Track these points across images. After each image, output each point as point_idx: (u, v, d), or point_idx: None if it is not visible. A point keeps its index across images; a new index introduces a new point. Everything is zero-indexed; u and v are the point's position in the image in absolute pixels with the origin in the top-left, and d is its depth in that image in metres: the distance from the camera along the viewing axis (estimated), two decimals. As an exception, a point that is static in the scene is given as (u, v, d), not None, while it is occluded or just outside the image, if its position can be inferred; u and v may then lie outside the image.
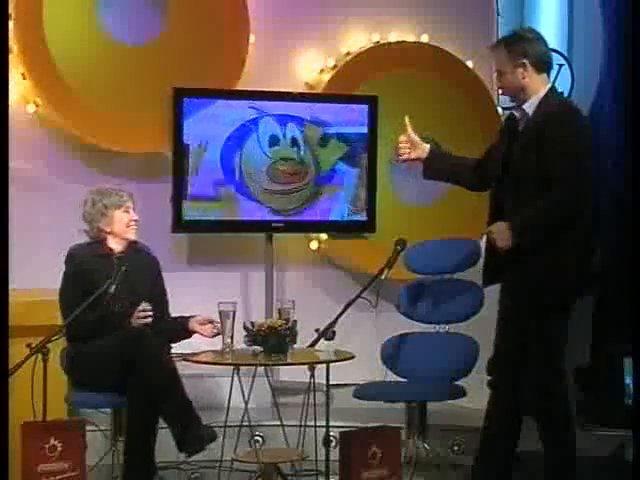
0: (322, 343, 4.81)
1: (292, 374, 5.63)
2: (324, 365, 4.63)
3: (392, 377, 5.23)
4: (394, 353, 5.26)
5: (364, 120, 6.08)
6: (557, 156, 4.27)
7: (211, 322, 4.88)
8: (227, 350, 4.80)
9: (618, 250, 5.99)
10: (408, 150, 4.72)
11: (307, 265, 6.34)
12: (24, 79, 5.75)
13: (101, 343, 4.69)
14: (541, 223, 4.33)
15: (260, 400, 5.48)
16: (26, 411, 4.36)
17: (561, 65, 6.71)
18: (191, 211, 5.82)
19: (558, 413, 4.39)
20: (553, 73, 4.76)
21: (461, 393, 5.03)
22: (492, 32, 6.56)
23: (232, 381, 4.76)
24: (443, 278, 5.29)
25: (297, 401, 5.30)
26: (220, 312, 4.81)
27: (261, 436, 5.48)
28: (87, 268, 4.84)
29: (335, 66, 6.35)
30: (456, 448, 5.54)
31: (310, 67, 6.37)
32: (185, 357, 4.84)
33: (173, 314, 5.06)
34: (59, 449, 4.32)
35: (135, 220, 4.97)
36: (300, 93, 6.20)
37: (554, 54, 5.02)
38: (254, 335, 4.65)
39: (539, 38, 4.48)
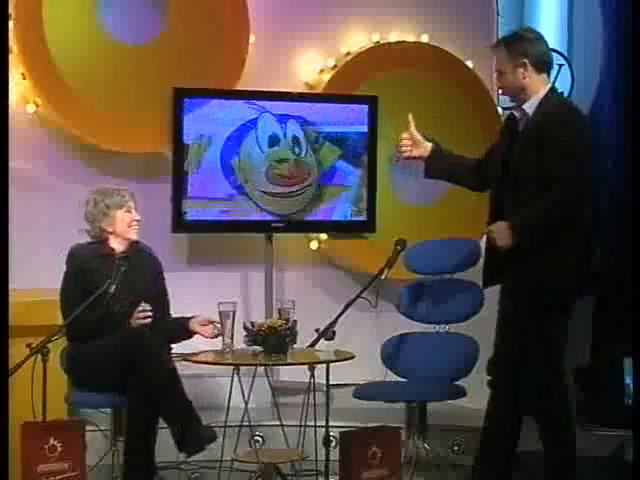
0: (322, 343, 4.81)
1: (292, 374, 5.63)
2: (324, 365, 4.63)
3: (392, 377, 5.23)
4: (394, 353, 5.26)
5: (364, 120, 6.08)
6: (557, 156, 4.27)
7: (212, 323, 4.87)
8: (227, 350, 4.80)
9: (618, 250, 5.99)
10: (410, 148, 4.72)
11: (307, 265, 6.34)
12: (24, 79, 5.75)
13: (101, 343, 4.69)
14: (541, 223, 4.33)
15: (260, 400, 5.48)
16: (26, 411, 4.36)
17: (561, 65, 6.71)
18: (191, 211, 5.82)
19: (558, 413, 4.39)
20: (553, 73, 4.76)
21: (461, 393, 5.03)
22: (492, 32, 6.56)
23: (232, 381, 4.76)
24: (443, 278, 5.29)
25: (297, 401, 5.30)
26: (220, 312, 4.81)
27: (261, 436, 5.48)
28: (88, 268, 4.84)
29: (335, 66, 6.35)
30: (456, 448, 5.54)
31: (310, 67, 6.37)
32: (185, 357, 4.84)
33: (173, 314, 5.06)
34: (59, 449, 4.32)
35: (137, 220, 4.97)
36: (300, 93, 6.20)
37: (554, 54, 5.01)
38: (254, 335, 4.65)
39: (539, 38, 4.48)
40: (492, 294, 4.72)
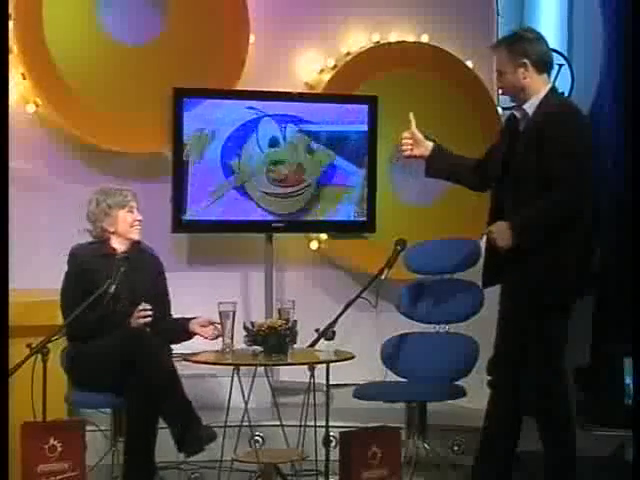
0: (322, 343, 4.81)
1: (292, 374, 5.63)
2: (324, 365, 4.63)
3: (392, 377, 5.23)
4: (394, 353, 5.26)
5: (364, 120, 6.08)
6: (557, 156, 4.27)
7: (212, 324, 4.87)
8: (227, 350, 4.80)
9: (618, 250, 5.99)
10: (411, 147, 4.72)
11: (307, 265, 6.34)
12: (24, 79, 5.75)
13: (100, 343, 4.69)
14: (541, 223, 4.33)
15: (260, 400, 5.48)
16: (26, 411, 4.36)
17: (561, 65, 6.71)
18: (191, 211, 5.83)
19: (558, 413, 4.39)
20: (553, 73, 4.76)
21: (461, 393, 5.03)
22: (492, 32, 6.56)
23: (232, 381, 4.76)
24: (443, 278, 5.29)
25: (297, 401, 5.29)
26: (220, 312, 4.80)
27: (261, 436, 5.48)
28: (89, 268, 4.83)
29: (335, 66, 6.35)
30: (456, 448, 5.54)
31: (310, 67, 6.37)
32: (185, 357, 4.84)
33: (174, 314, 5.05)
34: (59, 449, 4.32)
35: (139, 220, 4.97)
36: (300, 93, 6.20)
37: (554, 54, 5.01)
38: (254, 335, 4.65)
39: (540, 38, 4.48)
40: (492, 294, 4.72)
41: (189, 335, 4.93)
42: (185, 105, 5.78)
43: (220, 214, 5.91)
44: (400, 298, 5.34)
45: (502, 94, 4.68)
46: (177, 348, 4.96)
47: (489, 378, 4.60)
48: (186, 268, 6.08)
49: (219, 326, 4.83)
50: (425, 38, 6.44)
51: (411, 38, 6.44)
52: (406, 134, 4.72)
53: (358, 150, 6.09)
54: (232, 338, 4.79)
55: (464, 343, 5.18)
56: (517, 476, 4.60)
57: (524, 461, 4.75)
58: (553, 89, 4.48)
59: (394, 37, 6.43)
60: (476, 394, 5.19)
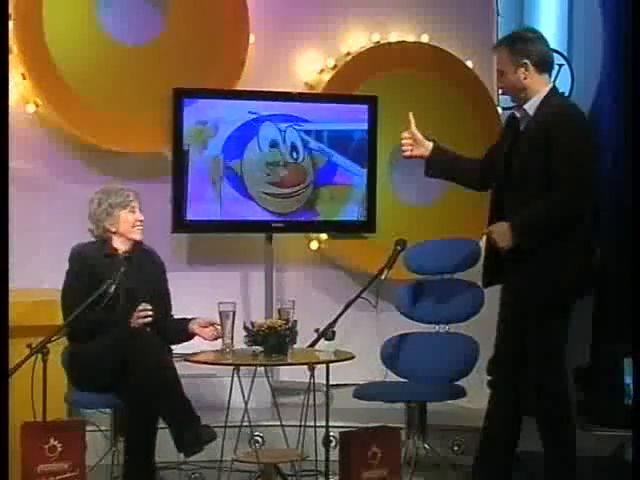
0: (322, 343, 4.82)
1: (292, 374, 5.63)
2: (324, 365, 4.63)
3: (392, 377, 5.23)
4: (394, 353, 5.26)
5: (364, 120, 6.08)
6: (561, 156, 4.26)
7: (212, 325, 4.86)
8: (227, 350, 4.79)
9: (618, 250, 5.99)
10: (411, 147, 4.71)
11: (307, 265, 6.34)
12: (24, 79, 5.75)
13: (100, 343, 4.69)
14: (542, 223, 4.33)
15: (260, 400, 5.48)
16: (26, 411, 4.36)
17: (561, 65, 6.71)
18: (191, 211, 5.83)
19: (558, 413, 4.39)
20: (553, 73, 4.76)
21: (461, 393, 5.03)
22: (492, 32, 6.56)
23: (232, 381, 4.76)
24: (443, 278, 5.29)
25: (297, 401, 5.30)
26: (220, 312, 4.80)
27: (261, 436, 5.48)
28: (92, 267, 4.83)
29: (335, 66, 6.35)
30: (456, 448, 5.54)
31: (310, 67, 6.37)
32: (185, 357, 4.84)
33: (174, 315, 5.05)
34: (59, 449, 4.32)
35: (141, 220, 4.97)
36: (300, 93, 6.20)
37: (554, 54, 5.01)
38: (254, 335, 4.65)
39: (540, 38, 4.48)
40: (492, 294, 4.73)
41: (189, 336, 4.92)
42: (185, 106, 5.78)
43: (220, 214, 5.91)
44: (400, 298, 5.34)
45: (502, 94, 4.68)
46: (177, 348, 4.95)
47: (489, 378, 4.60)
48: (186, 268, 6.08)
49: (219, 327, 4.82)
50: (425, 38, 6.44)
51: (411, 38, 6.44)
52: (406, 134, 4.71)
53: (362, 150, 6.10)
54: (232, 338, 4.79)
55: (464, 343, 5.18)
56: (517, 476, 4.60)
57: (524, 461, 4.75)
58: (554, 89, 4.48)
59: (394, 37, 6.43)
60: (476, 394, 5.19)
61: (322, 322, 4.82)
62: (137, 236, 4.97)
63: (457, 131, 6.08)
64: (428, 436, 5.08)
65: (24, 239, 5.56)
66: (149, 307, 4.73)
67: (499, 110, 6.47)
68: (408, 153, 4.73)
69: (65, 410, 5.11)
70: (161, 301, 4.94)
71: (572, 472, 4.39)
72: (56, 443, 4.31)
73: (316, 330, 4.79)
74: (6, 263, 4.09)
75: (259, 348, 4.65)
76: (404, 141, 4.71)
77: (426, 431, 5.07)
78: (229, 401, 4.85)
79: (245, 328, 4.70)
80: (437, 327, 5.29)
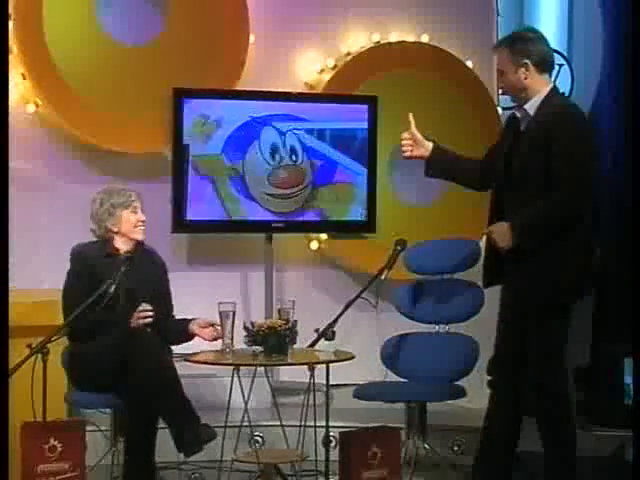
0: (322, 343, 4.82)
1: (292, 374, 5.63)
2: (324, 365, 4.63)
3: (392, 377, 5.23)
4: (394, 353, 5.26)
5: (364, 120, 6.08)
6: (561, 156, 4.26)
7: (212, 325, 4.86)
8: (227, 350, 4.79)
9: (618, 250, 5.99)
10: (411, 148, 4.71)
11: (307, 265, 6.34)
12: (24, 79, 5.75)
13: (100, 343, 4.69)
14: (542, 223, 4.33)
15: (260, 400, 5.48)
16: (26, 411, 4.36)
17: (561, 65, 6.71)
18: (191, 211, 5.83)
19: (558, 413, 4.39)
20: (553, 73, 4.76)
21: (461, 393, 5.03)
22: (492, 32, 6.56)
23: (232, 381, 4.76)
24: (443, 278, 5.29)
25: (297, 401, 5.29)
26: (220, 312, 4.80)
27: (261, 436, 5.48)
28: (92, 267, 4.83)
29: (335, 66, 6.35)
30: (456, 448, 5.54)
31: (310, 67, 6.37)
32: (185, 357, 4.84)
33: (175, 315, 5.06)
34: (59, 449, 4.32)
35: (142, 221, 4.97)
36: (300, 93, 6.20)
37: (554, 54, 5.01)
38: (254, 335, 4.64)
39: (541, 38, 4.48)
40: (492, 294, 4.72)
41: (189, 336, 4.92)
42: (185, 106, 5.78)
43: (220, 214, 5.91)
44: (400, 299, 5.34)
45: (503, 94, 4.67)
46: (177, 348, 4.95)
47: (489, 378, 4.60)
48: (186, 268, 6.08)
49: (219, 328, 4.82)
50: (425, 38, 6.44)
51: (411, 38, 6.44)
52: (406, 135, 4.71)
53: (365, 149, 6.10)
54: (232, 338, 4.79)
55: (464, 343, 5.18)
56: (517, 476, 4.60)
57: (524, 461, 4.75)
58: (554, 89, 4.48)
59: (394, 37, 6.44)
60: (476, 394, 5.19)
61: (322, 322, 4.82)
62: (139, 236, 4.97)
63: (457, 131, 6.08)
64: (428, 436, 5.08)
65: (24, 239, 5.56)
66: (149, 307, 4.73)
67: (499, 110, 6.47)
68: (408, 154, 4.73)
69: (65, 410, 5.11)
70: (162, 301, 4.94)
71: (572, 472, 4.39)
72: (56, 443, 4.32)
73: (316, 330, 4.79)
74: (6, 263, 4.09)
75: (259, 348, 4.65)
76: (404, 142, 4.71)
77: (426, 431, 5.07)
78: (229, 401, 4.85)
79: (245, 328, 4.70)
80: (437, 327, 5.29)
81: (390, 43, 6.41)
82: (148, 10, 6.00)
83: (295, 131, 6.01)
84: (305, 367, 4.61)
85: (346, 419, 5.36)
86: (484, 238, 4.67)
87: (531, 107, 4.41)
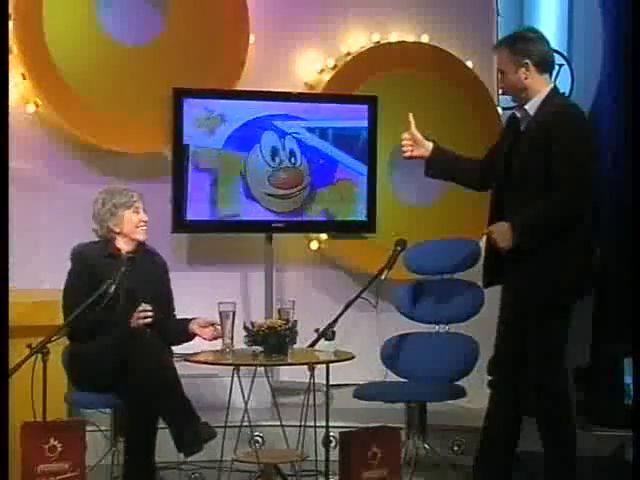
0: (322, 343, 4.82)
1: (292, 374, 5.63)
2: (324, 365, 4.63)
3: (392, 377, 5.23)
4: (394, 353, 5.26)
5: (364, 120, 6.08)
6: (561, 156, 4.26)
7: (212, 325, 4.86)
8: (227, 350, 4.79)
9: (618, 250, 5.99)
10: (411, 148, 4.71)
11: (307, 265, 6.34)
12: (24, 79, 5.75)
13: (100, 343, 4.69)
14: (542, 223, 4.33)
15: (260, 400, 5.48)
16: (26, 411, 4.36)
17: (561, 65, 6.71)
18: (191, 211, 5.83)
19: (558, 413, 4.39)
20: (553, 73, 4.76)
21: (461, 393, 5.03)
22: (492, 32, 6.57)
23: (232, 381, 4.76)
24: (443, 278, 5.29)
25: (297, 401, 5.29)
26: (220, 312, 4.80)
27: (261, 436, 5.48)
28: (92, 267, 4.83)
29: (335, 66, 6.35)
30: (456, 448, 5.54)
31: (310, 67, 6.37)
32: (185, 357, 4.84)
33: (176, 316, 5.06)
34: (59, 449, 4.32)
35: (144, 221, 4.97)
36: (300, 93, 6.20)
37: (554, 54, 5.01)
38: (254, 335, 4.64)
39: (541, 38, 4.48)
40: (492, 294, 4.72)
41: (189, 336, 4.92)
42: (185, 106, 5.78)
43: (220, 214, 5.91)
44: (400, 299, 5.34)
45: (503, 94, 4.67)
46: (177, 348, 4.95)
47: (489, 378, 4.60)
48: (186, 268, 6.07)
49: (219, 327, 4.82)
50: (425, 38, 6.44)
51: (411, 38, 6.44)
52: (406, 135, 4.71)
53: (356, 150, 6.10)
54: (232, 338, 4.79)
55: (464, 343, 5.18)
56: (517, 476, 4.60)
57: (524, 461, 4.75)
58: (555, 89, 4.48)
59: (394, 37, 6.44)
60: (476, 394, 5.19)
61: (322, 322, 4.82)
62: (141, 236, 4.97)
63: (457, 131, 6.08)
64: (428, 436, 5.08)
65: (24, 239, 5.56)
66: (149, 308, 4.73)
67: (499, 110, 6.47)
68: (408, 154, 4.73)
69: (65, 410, 5.11)
70: (163, 302, 4.94)
71: (572, 472, 4.39)
72: (56, 443, 4.32)
73: (316, 330, 4.79)
74: (6, 263, 4.09)
75: (259, 348, 4.65)
76: (404, 142, 4.71)
77: (426, 431, 5.07)
78: (229, 401, 4.85)
79: (245, 328, 4.70)
80: (437, 327, 5.29)
81: (390, 43, 6.41)
82: (148, 10, 6.00)
83: (295, 134, 6.00)
84: (305, 367, 4.61)
85: (346, 419, 5.36)
86: (484, 238, 4.67)
87: (531, 107, 4.41)
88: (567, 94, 6.56)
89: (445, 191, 6.13)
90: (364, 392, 5.12)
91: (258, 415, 5.33)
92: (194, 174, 5.83)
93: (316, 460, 4.93)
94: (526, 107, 4.42)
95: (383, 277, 5.06)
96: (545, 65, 4.44)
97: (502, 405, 4.51)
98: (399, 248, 5.15)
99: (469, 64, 6.47)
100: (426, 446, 5.06)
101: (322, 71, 6.37)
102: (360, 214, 6.13)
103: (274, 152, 6.01)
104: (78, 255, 4.90)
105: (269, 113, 5.97)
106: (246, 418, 4.87)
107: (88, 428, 4.59)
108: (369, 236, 6.18)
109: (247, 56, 6.10)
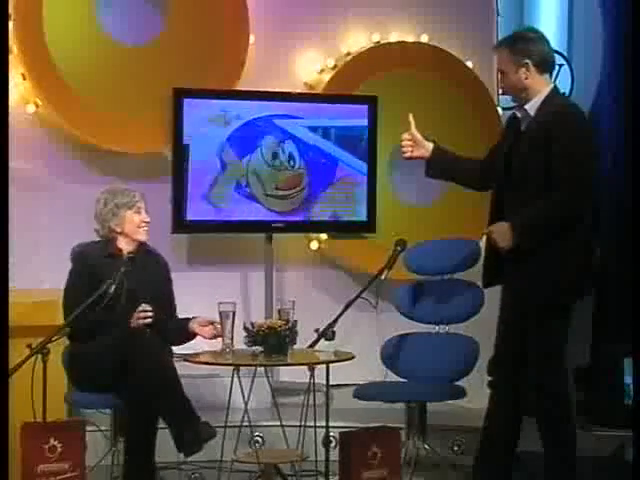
0: (322, 343, 4.82)
1: (292, 374, 5.63)
2: (324, 365, 4.63)
3: (392, 377, 5.23)
4: (394, 353, 5.26)
5: (364, 120, 6.08)
6: (561, 156, 4.26)
7: (212, 324, 4.86)
8: (227, 350, 4.79)
9: (618, 250, 5.99)
10: (411, 149, 4.71)
11: (307, 265, 6.34)
12: (24, 79, 5.75)
13: (100, 343, 4.69)
14: (542, 223, 4.33)
15: (260, 400, 5.48)
16: (26, 411, 4.36)
17: (561, 65, 6.71)
18: (191, 211, 5.83)
19: (558, 413, 4.39)
20: (553, 73, 4.76)
21: (461, 393, 5.03)
22: (492, 32, 6.57)
23: (232, 381, 4.76)
24: (443, 278, 5.29)
25: (297, 401, 5.29)
26: (220, 312, 4.80)
27: (261, 436, 5.48)
28: (92, 267, 4.83)
29: (335, 66, 6.35)
30: (456, 448, 5.54)
31: (310, 67, 6.37)
32: (185, 357, 4.84)
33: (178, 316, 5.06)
34: (59, 449, 4.32)
35: (146, 222, 4.97)
36: (300, 93, 6.20)
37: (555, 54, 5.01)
38: (254, 335, 4.64)
39: (541, 38, 4.48)
40: (492, 294, 4.73)
41: (189, 335, 4.92)
42: (185, 106, 5.78)
43: (220, 214, 5.91)
44: (400, 299, 5.33)
45: (503, 94, 4.67)
46: (177, 348, 4.95)
47: (489, 378, 4.60)
48: (186, 268, 6.07)
49: (218, 326, 4.82)
50: (425, 38, 6.44)
51: (411, 38, 6.44)
52: (406, 135, 4.71)
53: (356, 150, 6.10)
54: (232, 338, 4.79)
55: (464, 343, 5.18)
56: (517, 476, 4.60)
57: (524, 461, 4.75)
58: (555, 89, 4.48)
59: (394, 37, 6.44)
60: (476, 394, 5.19)
61: (322, 322, 4.81)
62: (142, 237, 4.97)
63: (457, 131, 6.08)
64: (428, 436, 5.08)
65: (24, 239, 5.56)
66: (149, 308, 4.73)
67: (499, 110, 6.47)
68: (408, 154, 4.73)
69: (65, 410, 5.11)
70: (164, 302, 4.94)
71: (572, 472, 4.39)
72: (56, 443, 4.32)
73: (316, 330, 4.78)
74: (6, 263, 4.09)
75: (259, 348, 4.65)
76: (404, 142, 4.71)
77: (426, 431, 5.07)
78: (229, 401, 4.85)
79: (245, 328, 4.70)
80: (437, 327, 5.28)
81: (390, 43, 6.41)
82: (148, 10, 6.00)
83: (296, 134, 6.00)
84: (305, 367, 4.61)
85: (346, 419, 5.36)
86: (484, 238, 4.67)
87: (532, 107, 4.40)
88: (567, 94, 6.57)
89: (445, 191, 6.14)
90: (364, 392, 5.12)
91: (258, 415, 5.33)
92: (194, 174, 5.83)
93: (316, 460, 4.93)
94: (526, 107, 4.42)
95: (383, 277, 5.06)
96: (545, 65, 4.44)
97: (502, 405, 4.51)
98: (399, 248, 5.15)
99: (469, 64, 6.47)
100: (426, 446, 5.06)
101: (322, 71, 6.37)
102: (360, 214, 6.13)
103: (274, 154, 6.01)
104: (78, 255, 4.90)
105: (269, 113, 5.97)
106: (246, 418, 4.87)
107: (88, 428, 4.60)
108: (369, 236, 6.18)
109: (247, 56, 6.10)
